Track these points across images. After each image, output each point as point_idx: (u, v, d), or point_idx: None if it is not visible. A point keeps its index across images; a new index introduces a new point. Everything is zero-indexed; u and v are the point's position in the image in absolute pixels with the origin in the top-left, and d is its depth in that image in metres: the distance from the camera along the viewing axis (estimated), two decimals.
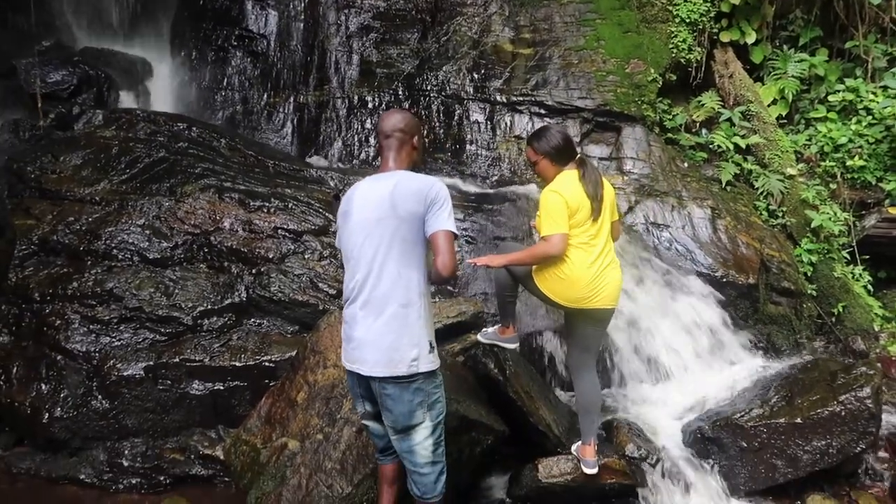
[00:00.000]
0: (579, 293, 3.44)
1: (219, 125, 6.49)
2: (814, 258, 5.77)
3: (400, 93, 6.58)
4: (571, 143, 3.60)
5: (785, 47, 6.83)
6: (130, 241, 4.78)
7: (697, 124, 6.52)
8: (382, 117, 2.95)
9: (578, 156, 3.59)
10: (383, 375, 2.69)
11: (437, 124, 6.40)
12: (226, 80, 6.93)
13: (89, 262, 4.70)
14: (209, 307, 4.56)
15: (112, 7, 7.15)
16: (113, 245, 4.75)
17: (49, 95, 6.15)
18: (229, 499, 3.97)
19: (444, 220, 2.68)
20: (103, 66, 6.64)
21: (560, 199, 3.36)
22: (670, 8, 6.52)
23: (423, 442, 2.80)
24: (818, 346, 5.57)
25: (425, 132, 6.38)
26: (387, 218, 2.70)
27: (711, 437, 4.13)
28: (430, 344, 2.77)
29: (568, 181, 3.45)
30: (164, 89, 7.01)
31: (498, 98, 6.39)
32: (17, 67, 6.20)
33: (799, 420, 4.00)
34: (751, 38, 6.73)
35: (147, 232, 4.82)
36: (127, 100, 6.70)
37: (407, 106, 6.51)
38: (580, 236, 3.43)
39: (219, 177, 5.19)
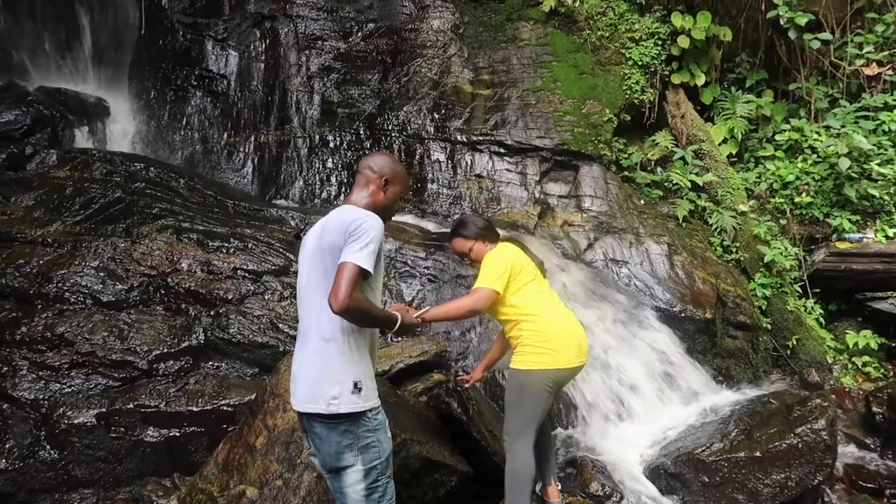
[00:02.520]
0: (571, 347, 3.37)
1: (177, 165, 6.42)
2: (768, 292, 5.93)
3: (361, 132, 6.63)
4: (491, 223, 3.71)
5: (733, 89, 7.11)
6: (84, 283, 4.65)
7: (652, 163, 6.70)
8: (365, 157, 2.95)
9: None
10: (306, 411, 2.60)
11: None
12: (185, 119, 6.89)
13: (39, 306, 4.55)
14: (165, 350, 4.44)
15: (68, 46, 7.07)
16: (65, 288, 4.61)
17: (1, 135, 6.02)
18: None
19: (353, 251, 2.47)
20: (58, 106, 6.54)
21: (502, 258, 3.37)
22: (623, 51, 6.75)
23: (353, 486, 2.60)
24: (775, 379, 5.69)
25: None
26: (314, 249, 2.65)
27: (674, 473, 4.16)
28: (356, 384, 2.57)
29: (509, 247, 3.52)
30: (121, 129, 6.93)
31: (458, 137, 6.48)
32: None
33: (758, 454, 4.06)
34: (700, 80, 7.00)
35: (101, 274, 4.69)
36: (83, 140, 6.60)
37: (368, 145, 6.56)
38: (538, 292, 3.43)
39: (177, 217, 5.11)
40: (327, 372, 2.57)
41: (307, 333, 2.64)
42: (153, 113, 6.94)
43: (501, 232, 4.86)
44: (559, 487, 3.66)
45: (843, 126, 6.46)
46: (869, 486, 4.45)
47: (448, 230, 5.82)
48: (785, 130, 6.76)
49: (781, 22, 6.63)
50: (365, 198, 2.77)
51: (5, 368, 4.28)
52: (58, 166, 5.69)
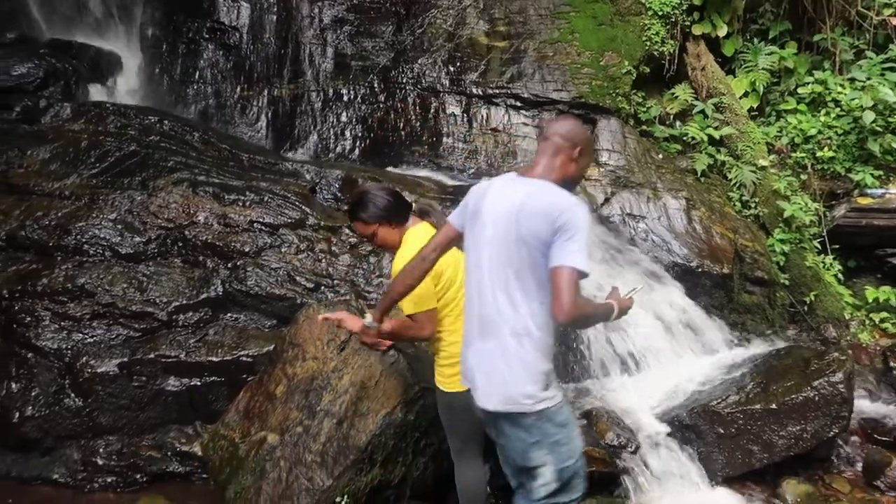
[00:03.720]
0: None
1: (191, 119, 6.39)
2: (786, 248, 5.87)
3: (375, 85, 6.54)
4: (400, 195, 3.04)
5: (755, 40, 6.92)
6: (102, 235, 4.68)
7: (671, 116, 6.58)
8: (550, 121, 2.73)
9: (416, 205, 3.08)
10: (500, 411, 2.43)
11: (414, 117, 6.37)
12: (198, 73, 6.82)
13: (59, 258, 4.60)
14: (184, 302, 4.48)
15: None
16: (84, 240, 4.65)
17: (14, 89, 5.99)
18: (207, 495, 3.91)
19: (572, 253, 2.25)
20: (71, 59, 6.49)
21: (442, 273, 2.86)
22: (643, 1, 6.56)
23: (546, 486, 2.47)
24: (791, 334, 5.67)
25: (401, 125, 6.36)
26: (509, 235, 2.38)
27: (689, 425, 4.18)
28: (547, 380, 2.42)
29: (422, 239, 2.85)
30: (134, 83, 6.88)
31: (474, 91, 6.38)
32: None
33: (774, 406, 4.07)
34: (722, 32, 6.80)
35: (119, 227, 4.72)
36: (96, 93, 6.55)
37: (383, 99, 6.48)
38: (453, 300, 2.88)
39: (192, 170, 5.11)
40: (524, 370, 2.39)
41: (493, 324, 2.43)
42: (165, 66, 6.88)
43: None
44: None
45: (868, 78, 6.29)
46: (884, 439, 4.46)
47: (462, 183, 5.82)
48: (808, 83, 6.60)
49: None
50: (554, 170, 2.47)
51: (28, 319, 4.35)
52: (72, 120, 5.68)
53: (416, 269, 2.69)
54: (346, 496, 3.21)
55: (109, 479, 4.08)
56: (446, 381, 2.90)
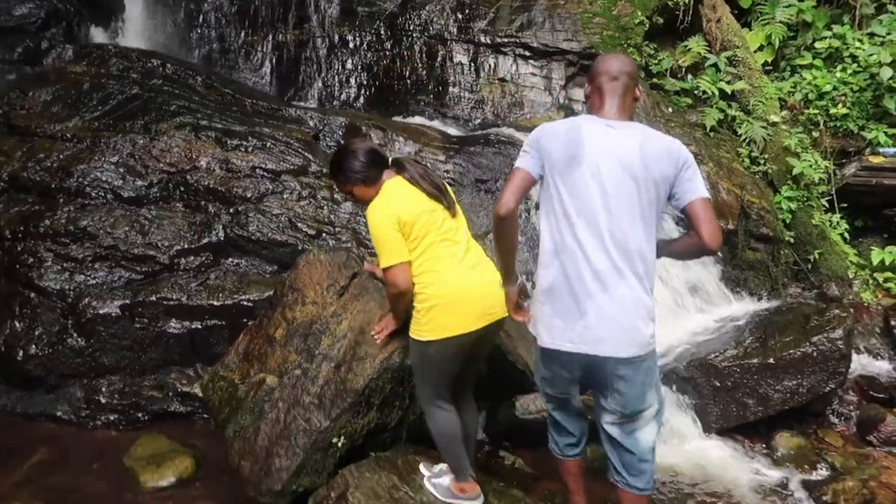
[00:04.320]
0: (469, 310, 2.79)
1: (194, 63, 6.30)
2: (793, 205, 5.80)
3: (382, 32, 6.41)
4: (375, 150, 2.97)
5: None
6: (104, 178, 4.67)
7: (683, 69, 6.43)
8: (603, 59, 2.58)
9: (392, 158, 3.02)
10: (622, 356, 2.39)
11: (420, 65, 6.26)
12: (202, 17, 6.70)
13: (61, 200, 4.60)
14: (186, 246, 4.50)
15: None
16: (86, 183, 4.64)
17: (16, 29, 5.92)
18: (207, 434, 3.99)
19: (702, 185, 2.41)
20: (73, 0, 6.38)
21: (386, 218, 2.76)
22: None
23: (649, 426, 2.53)
24: (793, 292, 5.64)
25: (407, 73, 6.26)
26: (637, 177, 2.37)
27: (686, 377, 4.21)
28: (653, 319, 2.47)
29: (394, 191, 2.86)
30: (136, 26, 6.75)
31: (482, 39, 6.24)
32: None
33: (771, 360, 4.09)
34: None
35: (121, 170, 4.71)
36: (98, 35, 6.45)
37: (389, 46, 6.36)
38: (438, 243, 2.83)
39: (195, 115, 5.06)
40: (647, 312, 2.41)
41: (618, 270, 2.37)
42: (169, 10, 6.75)
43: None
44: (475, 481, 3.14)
45: (888, 33, 6.12)
46: (880, 396, 4.48)
47: (468, 133, 5.74)
48: (826, 38, 6.42)
49: None
50: (627, 109, 2.50)
51: (31, 259, 4.38)
52: (74, 61, 5.61)
53: (510, 227, 2.54)
54: (342, 437, 3.26)
55: (112, 417, 4.17)
56: (422, 329, 2.84)
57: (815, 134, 6.17)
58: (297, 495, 3.23)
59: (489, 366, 3.83)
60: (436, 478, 3.18)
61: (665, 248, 2.60)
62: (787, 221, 5.76)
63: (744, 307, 5.04)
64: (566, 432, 2.84)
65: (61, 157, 4.75)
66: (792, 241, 5.72)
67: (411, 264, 2.82)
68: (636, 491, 2.61)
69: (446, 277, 2.80)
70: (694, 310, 4.93)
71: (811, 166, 5.79)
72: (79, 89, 5.20)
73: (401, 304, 2.95)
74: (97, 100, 5.13)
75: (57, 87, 5.23)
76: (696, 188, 2.40)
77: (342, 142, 2.98)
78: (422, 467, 3.26)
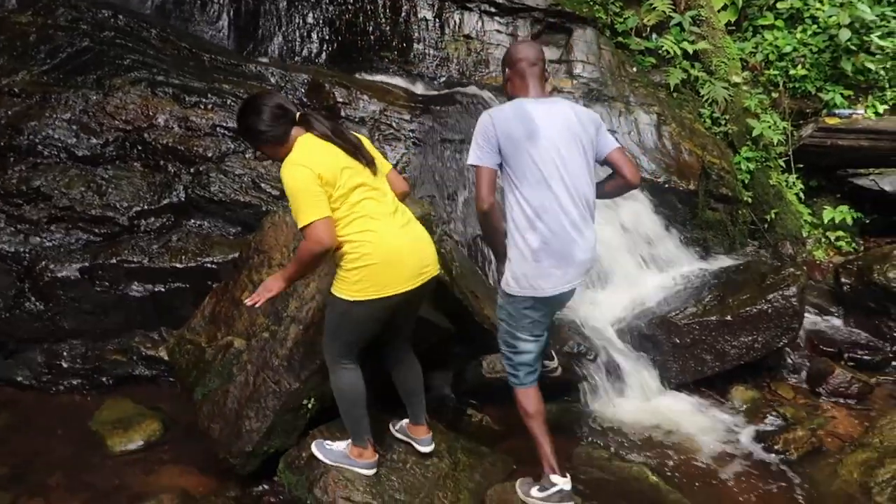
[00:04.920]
0: (400, 270, 2.74)
1: (148, 15, 6.02)
2: (752, 166, 5.93)
3: None
4: (282, 105, 2.77)
5: None
6: (56, 136, 4.48)
7: (648, 29, 6.43)
8: (519, 47, 3.02)
9: (299, 113, 2.80)
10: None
11: (384, 21, 6.10)
12: None
13: (12, 159, 4.41)
14: (146, 207, 4.38)
15: None
16: (37, 141, 4.45)
17: None
18: (174, 397, 3.97)
19: (613, 139, 3.01)
20: None
21: (306, 172, 2.60)
22: None
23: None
24: (750, 251, 5.81)
25: (370, 29, 6.11)
26: (581, 140, 2.87)
27: (647, 335, 4.34)
28: None
29: (309, 146, 2.71)
30: None
31: None
32: None
33: (729, 318, 4.23)
34: None
35: (74, 127, 4.52)
36: None
37: (351, 0, 6.18)
38: (366, 200, 2.73)
39: (150, 70, 4.86)
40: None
41: (584, 218, 2.88)
42: None
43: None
44: (427, 425, 3.27)
45: None
46: (829, 350, 4.70)
47: (433, 92, 5.66)
48: None
49: None
50: (545, 88, 2.97)
51: None
52: (18, 11, 5.28)
53: (495, 216, 2.92)
54: (312, 399, 3.28)
55: (74, 382, 4.11)
56: (350, 288, 2.72)
57: (775, 95, 6.29)
58: (268, 455, 3.26)
59: (456, 325, 3.88)
60: (331, 441, 3.17)
61: (598, 191, 3.02)
62: (746, 182, 5.90)
63: (703, 266, 5.18)
64: (533, 363, 3.08)
65: (10, 113, 4.53)
66: (750, 200, 5.87)
67: (336, 222, 2.68)
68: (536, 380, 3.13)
69: (383, 236, 2.71)
70: (656, 269, 5.04)
71: (770, 127, 5.91)
72: (25, 41, 4.94)
73: (311, 268, 2.82)
74: (45, 52, 4.88)
75: (1, 38, 4.96)
76: (611, 142, 2.99)
77: (243, 102, 2.79)
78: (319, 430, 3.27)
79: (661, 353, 4.28)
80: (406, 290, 2.78)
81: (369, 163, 2.81)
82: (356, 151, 2.77)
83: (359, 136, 2.92)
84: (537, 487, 3.02)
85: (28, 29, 5.02)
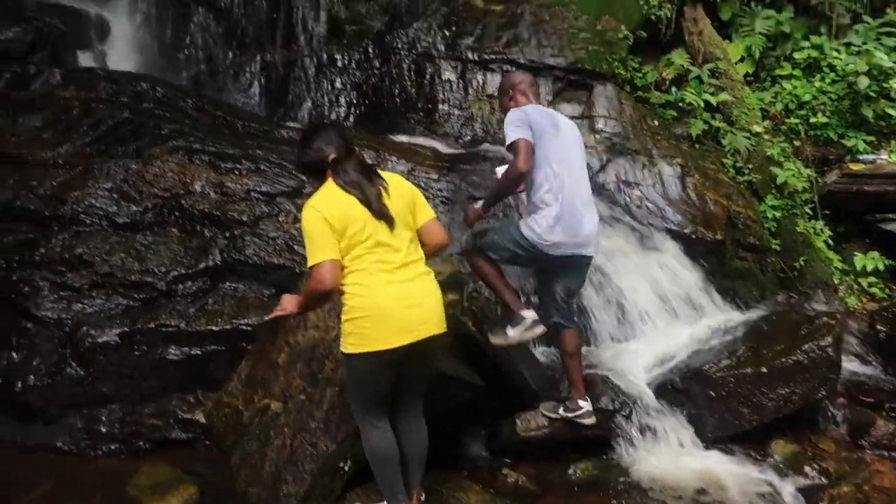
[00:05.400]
0: (393, 324, 2.73)
1: (183, 85, 6.31)
2: (778, 214, 5.93)
3: (370, 51, 6.47)
4: (321, 147, 2.87)
5: (753, 4, 6.88)
6: (98, 205, 4.66)
7: (667, 82, 6.56)
8: (518, 73, 4.19)
9: (332, 156, 2.86)
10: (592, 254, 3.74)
11: (409, 83, 6.32)
12: (188, 37, 6.72)
13: (56, 228, 4.58)
14: (183, 272, 4.50)
15: None
16: (80, 209, 4.63)
17: (2, 54, 5.89)
18: (212, 460, 3.98)
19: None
20: (58, 23, 6.36)
21: (317, 216, 2.70)
22: None
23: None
24: (782, 300, 5.75)
25: (396, 91, 6.31)
26: (580, 141, 3.76)
27: (681, 388, 4.29)
28: None
29: (327, 192, 2.81)
30: (123, 48, 6.75)
31: (470, 56, 6.32)
32: None
33: (764, 369, 4.17)
34: None
35: (115, 196, 4.70)
36: (84, 59, 6.44)
37: (377, 64, 6.41)
38: (367, 254, 2.76)
39: (187, 138, 5.07)
40: None
41: (590, 197, 3.70)
42: (155, 31, 6.76)
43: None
44: (423, 498, 3.21)
45: (864, 43, 6.32)
46: (869, 400, 4.58)
47: (459, 151, 5.80)
48: (804, 48, 6.60)
49: None
50: None
51: (27, 289, 4.37)
52: (62, 86, 5.60)
53: (521, 181, 3.59)
54: (348, 461, 3.29)
55: (112, 447, 4.14)
56: (346, 341, 2.79)
57: (797, 143, 6.32)
58: None
59: (487, 382, 3.89)
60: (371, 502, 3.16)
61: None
62: (773, 230, 5.89)
63: (735, 316, 5.13)
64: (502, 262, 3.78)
65: (54, 184, 4.73)
66: (778, 249, 5.84)
67: (343, 268, 2.75)
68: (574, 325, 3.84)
69: (372, 290, 2.73)
70: (687, 320, 5.01)
71: (794, 175, 5.92)
72: (69, 114, 5.19)
73: (317, 304, 2.96)
74: (88, 125, 5.12)
75: (46, 112, 5.21)
76: None
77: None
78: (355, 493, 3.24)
79: (697, 406, 4.22)
80: (395, 346, 2.74)
81: (384, 217, 2.79)
82: (370, 204, 2.77)
83: (395, 182, 2.93)
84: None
85: (72, 103, 5.28)
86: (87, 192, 4.69)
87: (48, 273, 4.41)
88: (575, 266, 3.71)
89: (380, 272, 2.76)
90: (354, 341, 2.77)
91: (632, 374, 4.53)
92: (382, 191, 2.84)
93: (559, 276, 3.73)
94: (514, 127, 3.45)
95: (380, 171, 2.96)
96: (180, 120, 5.31)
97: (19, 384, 4.15)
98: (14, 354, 4.24)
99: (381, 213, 2.79)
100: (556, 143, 3.50)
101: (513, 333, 3.69)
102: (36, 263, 4.44)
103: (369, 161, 5.13)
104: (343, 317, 2.80)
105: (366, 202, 2.77)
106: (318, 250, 2.69)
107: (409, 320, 2.76)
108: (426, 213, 3.01)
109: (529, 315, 3.67)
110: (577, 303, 4.75)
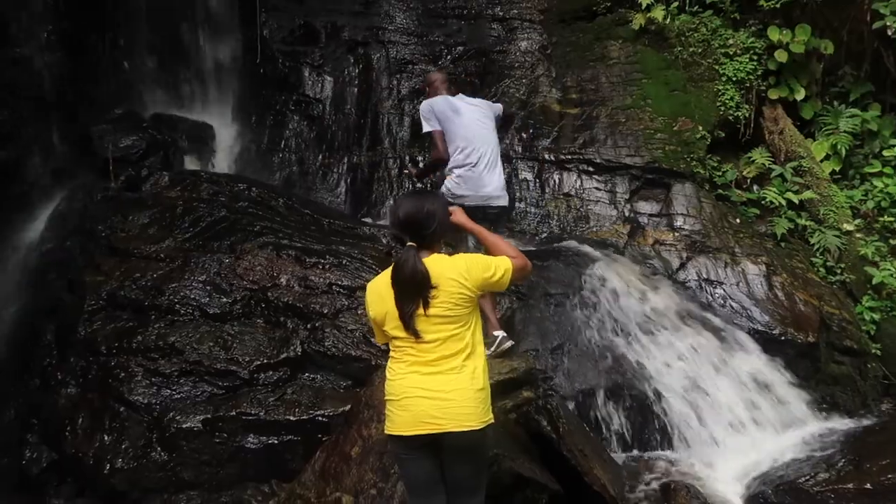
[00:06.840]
0: (407, 414, 2.73)
1: (276, 185, 6.75)
2: (876, 316, 5.60)
3: None
4: (396, 234, 2.97)
5: (835, 103, 6.79)
6: (192, 296, 4.95)
7: (748, 181, 6.48)
8: (437, 73, 5.09)
9: (394, 246, 3.33)
10: (502, 204, 4.33)
11: None
12: (283, 142, 7.25)
13: (153, 317, 4.88)
14: (265, 361, 4.66)
15: (181, 77, 7.60)
16: (176, 300, 4.93)
17: (120, 159, 6.50)
18: None
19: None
20: (170, 131, 7.03)
21: (366, 303, 2.91)
22: (716, 67, 6.59)
23: None
24: (886, 409, 5.33)
25: None
26: (488, 116, 4.45)
27: (775, 503, 3.98)
28: None
29: (379, 281, 2.86)
30: (225, 152, 7.36)
31: (546, 157, 6.50)
32: (92, 134, 6.60)
33: (868, 486, 3.85)
34: (800, 95, 6.72)
35: (208, 288, 4.99)
36: (191, 162, 7.05)
37: None
38: (402, 343, 2.77)
39: (276, 234, 5.37)
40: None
41: (494, 161, 4.33)
42: (254, 137, 7.34)
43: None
44: None
45: None
46: None
47: (535, 248, 5.86)
48: (894, 146, 6.40)
49: (889, 33, 6.31)
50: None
51: (122, 374, 4.62)
52: (169, 187, 6.09)
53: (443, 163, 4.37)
54: None
55: None
56: (385, 421, 2.86)
57: (893, 242, 6.03)
58: None
59: (564, 486, 3.74)
60: None
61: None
62: (872, 333, 5.55)
63: (832, 425, 4.80)
64: None
65: (154, 276, 5.08)
66: (879, 353, 5.48)
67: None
68: None
69: (399, 376, 2.76)
70: (779, 428, 4.71)
71: (892, 275, 5.63)
72: (173, 212, 5.63)
73: None
74: (189, 222, 5.52)
75: (153, 210, 5.67)
76: (497, 107, 4.80)
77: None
78: None
79: None
80: (409, 433, 2.72)
81: (410, 331, 2.70)
82: (402, 317, 2.71)
83: (447, 275, 2.71)
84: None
85: (176, 202, 5.73)
86: (183, 283, 5.00)
87: (143, 359, 4.67)
88: (484, 216, 4.08)
89: (409, 359, 2.76)
90: (387, 423, 2.85)
91: (719, 483, 4.26)
92: (421, 303, 2.70)
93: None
94: (425, 119, 4.42)
95: (441, 259, 2.78)
96: (271, 217, 5.65)
97: (108, 466, 4.33)
98: (105, 437, 4.44)
99: (409, 327, 2.72)
100: (457, 123, 4.30)
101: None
102: (133, 350, 4.71)
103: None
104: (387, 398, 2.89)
105: (401, 298, 2.71)
106: (376, 334, 2.99)
107: (421, 411, 2.69)
108: (485, 270, 2.77)
109: (500, 334, 3.94)
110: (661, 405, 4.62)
